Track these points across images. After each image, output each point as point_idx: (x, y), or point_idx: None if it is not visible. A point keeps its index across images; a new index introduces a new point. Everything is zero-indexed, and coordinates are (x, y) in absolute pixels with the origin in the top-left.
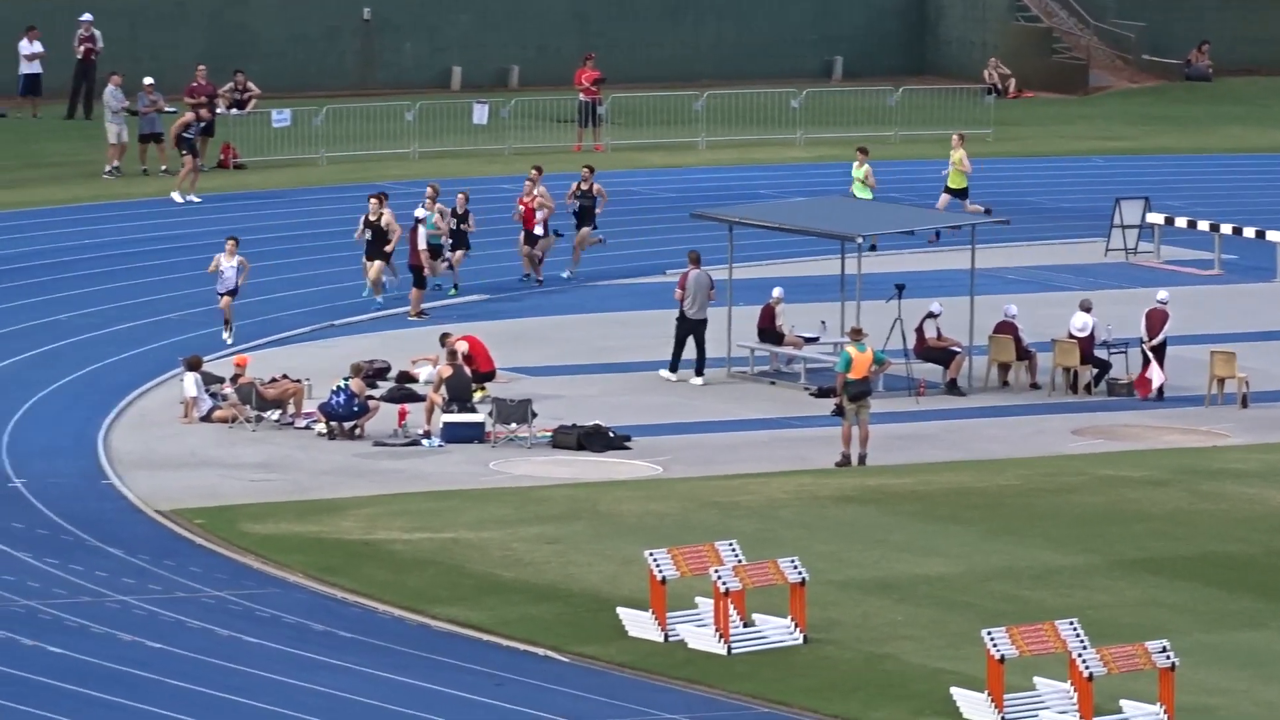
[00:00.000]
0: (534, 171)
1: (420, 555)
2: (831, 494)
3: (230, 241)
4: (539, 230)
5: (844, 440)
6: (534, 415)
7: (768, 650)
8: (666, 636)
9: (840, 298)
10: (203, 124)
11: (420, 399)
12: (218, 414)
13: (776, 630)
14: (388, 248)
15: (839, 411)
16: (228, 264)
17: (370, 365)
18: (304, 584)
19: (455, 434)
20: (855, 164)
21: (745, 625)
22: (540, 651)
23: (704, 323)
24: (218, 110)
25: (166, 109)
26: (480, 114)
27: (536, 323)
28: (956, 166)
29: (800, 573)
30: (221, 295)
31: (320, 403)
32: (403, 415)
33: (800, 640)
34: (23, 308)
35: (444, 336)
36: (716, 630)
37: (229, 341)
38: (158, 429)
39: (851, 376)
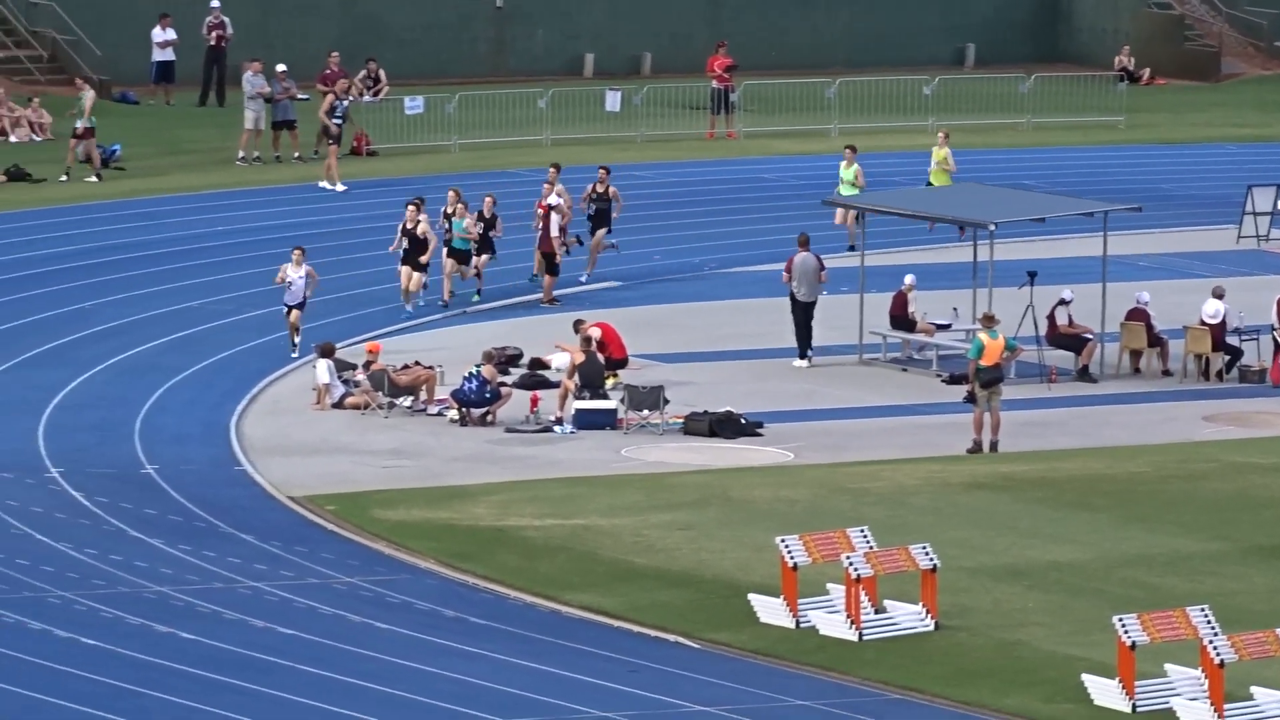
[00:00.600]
0: (552, 170)
1: (552, 541)
2: (962, 480)
3: (296, 251)
4: (554, 231)
5: (975, 427)
6: (666, 402)
7: (899, 637)
8: (798, 623)
9: (972, 285)
10: (343, 109)
11: (552, 385)
12: (350, 400)
13: (908, 616)
14: (424, 257)
15: (970, 398)
16: (295, 274)
17: (502, 352)
18: (435, 570)
19: (587, 420)
20: (843, 163)
21: (877, 611)
22: (672, 638)
23: (813, 305)
24: (350, 98)
25: (299, 96)
26: (613, 101)
27: (668, 310)
28: (940, 165)
29: (931, 559)
30: (289, 309)
31: (452, 389)
32: (535, 402)
33: (931, 627)
34: (158, 294)
35: (577, 323)
36: (848, 616)
37: (295, 357)
38: (290, 415)
39: (983, 363)
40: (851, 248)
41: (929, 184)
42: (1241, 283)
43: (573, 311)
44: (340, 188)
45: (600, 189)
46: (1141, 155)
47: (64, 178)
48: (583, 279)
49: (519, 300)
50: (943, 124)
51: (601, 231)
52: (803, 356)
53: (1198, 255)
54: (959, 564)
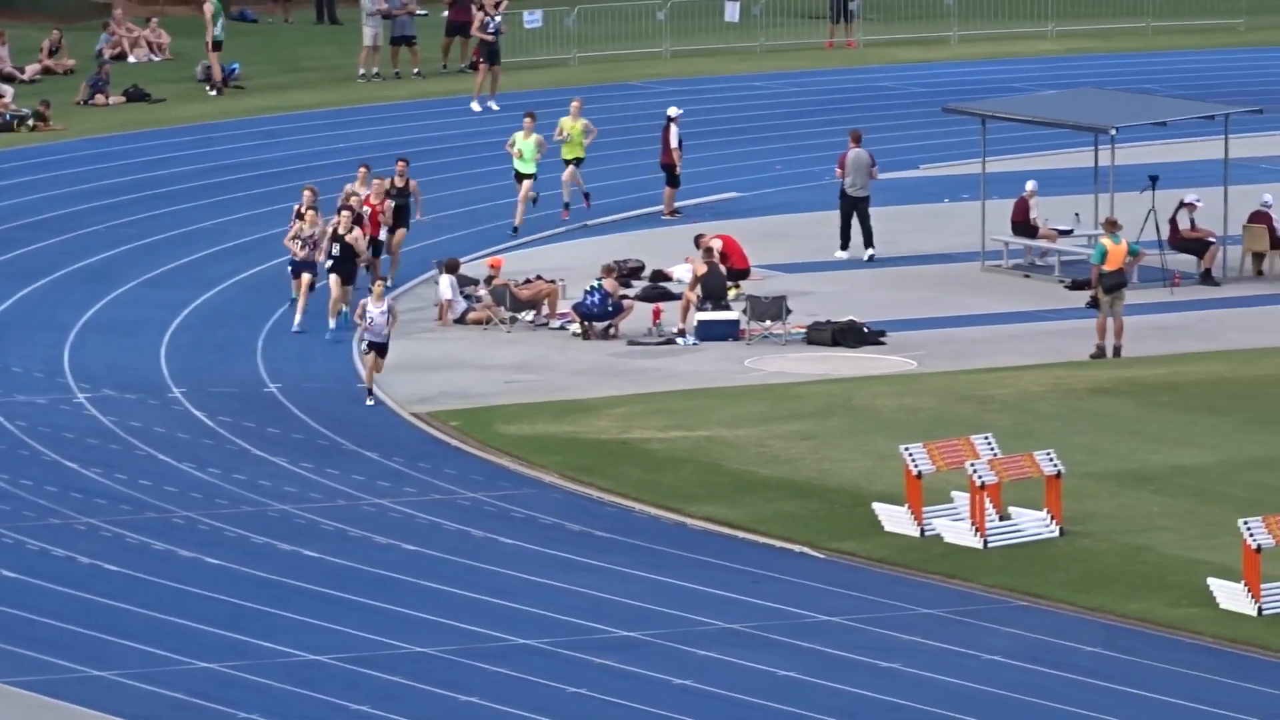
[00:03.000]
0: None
1: (676, 454)
2: (1086, 386)
3: (377, 285)
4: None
5: (1099, 332)
6: (788, 312)
7: (1024, 544)
8: (923, 531)
9: (1094, 190)
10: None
11: (674, 298)
12: (472, 316)
13: (1032, 523)
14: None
15: (1094, 304)
16: (376, 310)
17: (624, 265)
18: (559, 484)
19: (710, 332)
20: (521, 134)
21: (1001, 519)
22: (796, 548)
23: (866, 199)
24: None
25: (418, 12)
26: (732, 11)
27: (789, 220)
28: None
29: (1056, 465)
30: (369, 348)
31: (574, 303)
32: (657, 314)
33: (1056, 533)
34: (279, 212)
35: (699, 236)
36: (972, 524)
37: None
38: (413, 331)
39: (1106, 268)
40: None
41: None
42: None
43: (694, 224)
44: (495, 107)
45: (400, 183)
46: (1262, 58)
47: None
48: (388, 280)
49: (640, 213)
50: (1062, 29)
51: (401, 232)
52: (844, 247)
53: None
54: (1083, 470)
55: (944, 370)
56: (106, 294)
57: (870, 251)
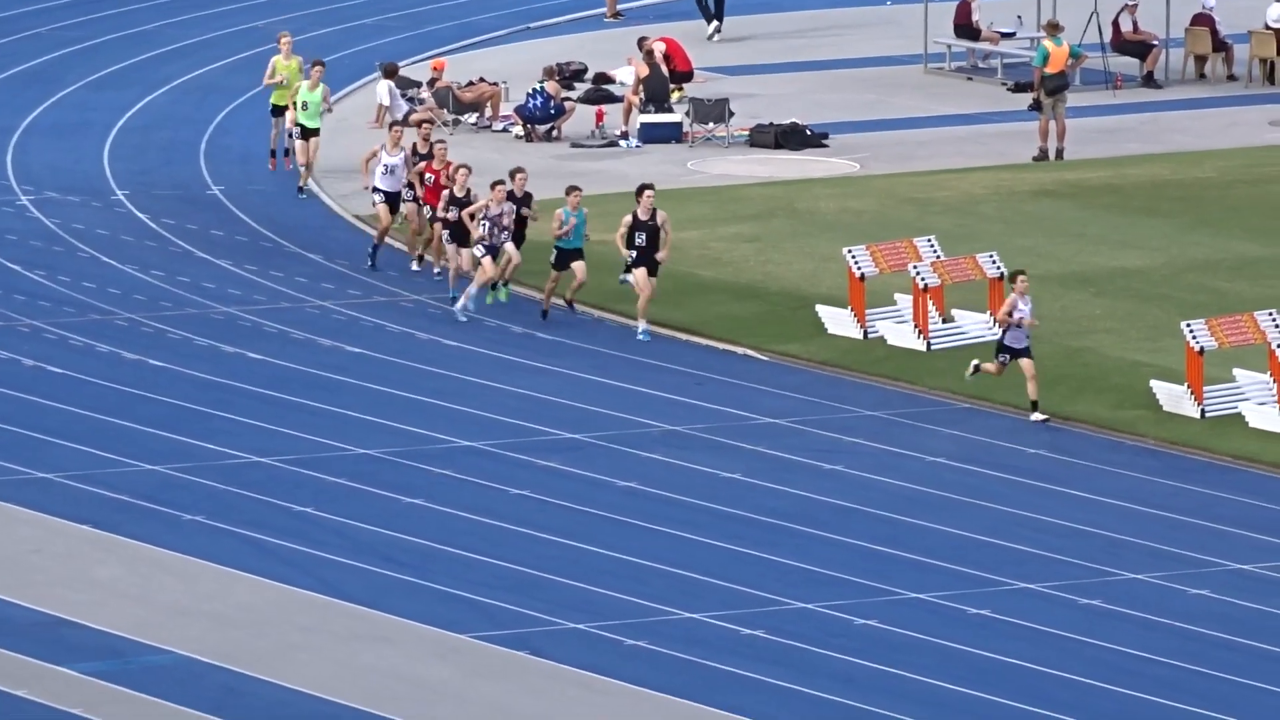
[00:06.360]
0: None
1: (618, 256)
2: (1029, 188)
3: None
4: None
5: (1041, 134)
6: (731, 114)
7: (967, 346)
8: (865, 333)
9: None
10: None
11: (617, 100)
12: (415, 118)
13: (976, 325)
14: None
15: (1036, 106)
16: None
17: (566, 67)
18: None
19: (653, 134)
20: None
21: (944, 321)
22: (740, 350)
23: None
24: None
25: None
26: None
27: (731, 22)
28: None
29: (999, 267)
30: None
31: (517, 105)
32: (600, 116)
33: (999, 336)
34: (221, 14)
35: (642, 39)
36: (915, 326)
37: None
38: (355, 135)
39: (1048, 70)
40: None
41: None
42: None
43: (637, 26)
44: None
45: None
46: None
47: None
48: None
49: (583, 15)
50: None
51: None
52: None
53: None
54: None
55: (887, 173)
56: (49, 97)
57: (715, 25)
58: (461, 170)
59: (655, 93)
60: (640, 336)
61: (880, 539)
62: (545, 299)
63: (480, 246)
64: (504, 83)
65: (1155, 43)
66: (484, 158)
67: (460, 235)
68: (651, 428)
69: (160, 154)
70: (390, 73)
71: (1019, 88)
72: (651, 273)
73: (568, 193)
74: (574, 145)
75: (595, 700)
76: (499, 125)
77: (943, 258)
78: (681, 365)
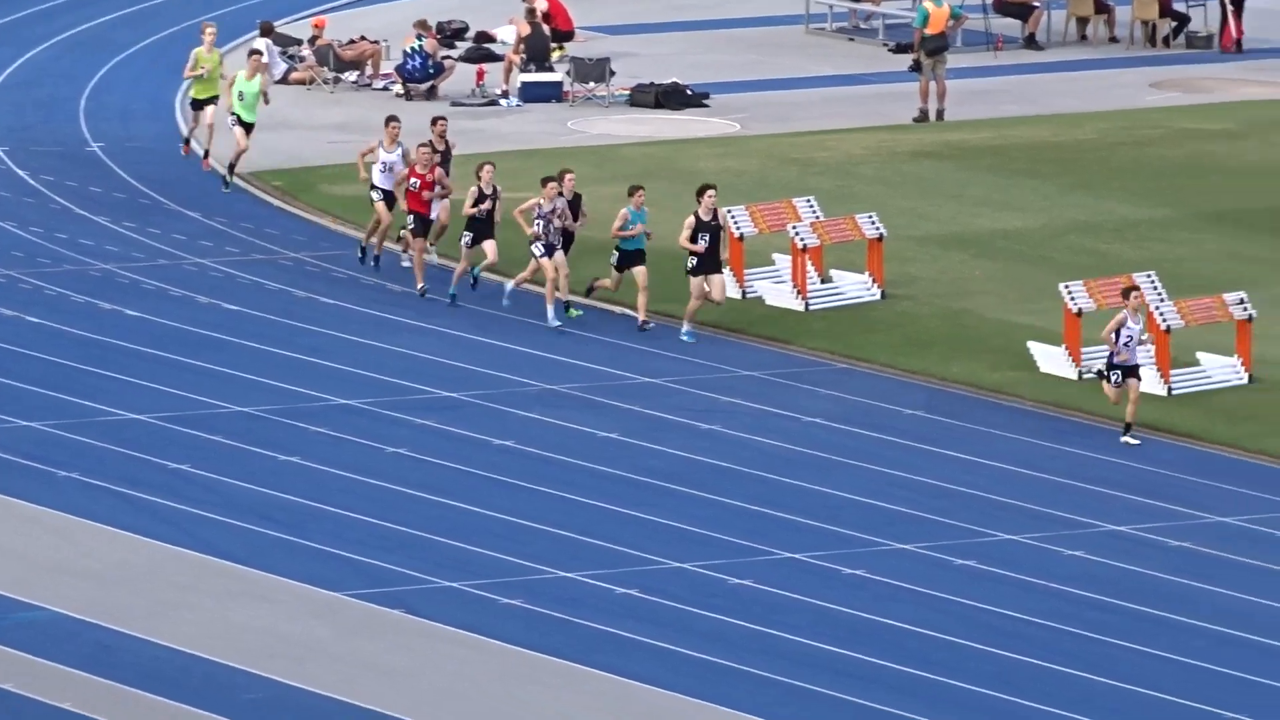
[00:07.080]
0: None
1: (501, 218)
2: (909, 149)
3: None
4: None
5: (921, 95)
6: (612, 74)
7: (845, 306)
8: (744, 293)
9: None
10: None
11: (498, 59)
12: (295, 76)
13: (854, 286)
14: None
15: (916, 67)
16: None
17: (447, 26)
18: (386, 247)
19: (533, 93)
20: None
21: (823, 281)
22: (618, 310)
23: None
24: None
25: None
26: None
27: None
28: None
29: (878, 228)
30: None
31: (396, 64)
32: (480, 75)
33: (878, 296)
34: None
35: None
36: (794, 287)
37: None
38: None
39: (929, 31)
40: None
41: None
42: None
43: None
44: None
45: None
46: None
47: None
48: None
49: None
50: None
51: None
52: None
53: None
54: (906, 233)
55: (767, 133)
56: None
57: None
58: (487, 167)
59: (536, 52)
60: (684, 337)
61: (756, 499)
62: (610, 287)
63: (538, 245)
64: (384, 41)
65: (1037, 4)
66: (364, 116)
67: (481, 234)
68: (529, 386)
69: (39, 110)
70: (267, 31)
71: (900, 49)
72: (715, 271)
73: (631, 193)
74: (454, 104)
75: (469, 658)
76: (379, 84)
77: (822, 218)
78: (562, 325)
